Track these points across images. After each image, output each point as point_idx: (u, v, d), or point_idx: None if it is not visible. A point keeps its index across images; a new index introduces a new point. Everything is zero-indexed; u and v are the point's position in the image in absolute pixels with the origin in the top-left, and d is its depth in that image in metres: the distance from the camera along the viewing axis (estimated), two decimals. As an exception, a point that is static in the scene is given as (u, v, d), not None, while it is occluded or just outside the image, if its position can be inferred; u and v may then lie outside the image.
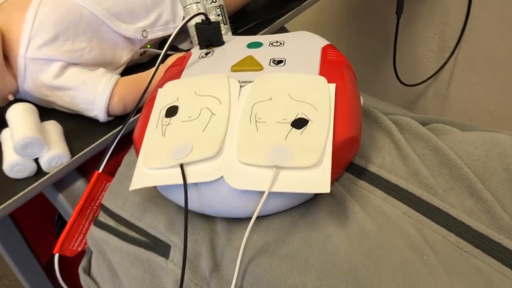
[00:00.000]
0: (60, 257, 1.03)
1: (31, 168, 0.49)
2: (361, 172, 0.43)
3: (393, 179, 0.42)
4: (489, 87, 1.00)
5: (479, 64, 0.99)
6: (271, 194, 0.38)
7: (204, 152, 0.39)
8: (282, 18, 0.69)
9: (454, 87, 1.05)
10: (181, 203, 0.41)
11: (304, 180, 0.37)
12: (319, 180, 0.36)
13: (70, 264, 0.93)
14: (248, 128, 0.41)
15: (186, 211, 0.39)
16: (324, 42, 0.51)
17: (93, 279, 0.50)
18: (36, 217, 0.86)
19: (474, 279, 0.35)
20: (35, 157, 0.49)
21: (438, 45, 1.03)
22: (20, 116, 0.48)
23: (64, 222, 0.89)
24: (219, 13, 0.61)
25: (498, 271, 0.35)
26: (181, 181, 0.39)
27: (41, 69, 0.52)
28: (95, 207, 0.51)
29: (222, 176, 0.38)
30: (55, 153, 0.48)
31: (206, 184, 0.39)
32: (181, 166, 0.39)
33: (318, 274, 0.36)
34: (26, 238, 0.83)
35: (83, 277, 0.50)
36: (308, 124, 0.40)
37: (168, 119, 0.44)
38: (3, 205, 0.46)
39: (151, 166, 0.40)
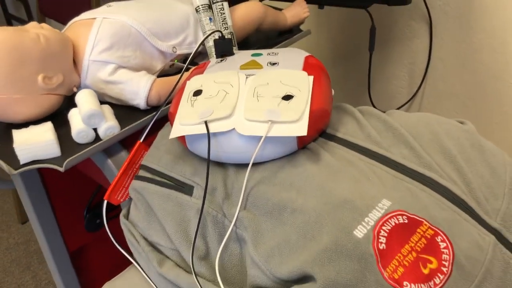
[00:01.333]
0: (80, 259, 1.17)
1: (91, 135, 0.66)
2: (331, 137, 0.61)
3: (353, 140, 0.60)
4: (451, 116, 1.20)
5: (442, 97, 1.20)
6: (266, 142, 0.56)
7: (221, 113, 0.57)
8: (276, 46, 0.90)
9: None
10: (204, 154, 0.59)
11: (289, 128, 0.55)
12: (299, 128, 0.54)
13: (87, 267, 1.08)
14: (252, 100, 0.59)
15: (208, 155, 0.57)
16: (307, 54, 0.70)
17: (130, 222, 0.66)
18: (70, 210, 1.01)
19: (403, 192, 0.52)
20: (95, 127, 0.66)
21: (407, 81, 1.24)
22: (86, 97, 0.66)
23: (92, 216, 1.05)
24: (230, 37, 0.81)
25: (420, 189, 0.52)
26: (205, 131, 0.56)
27: (99, 68, 0.71)
28: (135, 169, 0.68)
29: (234, 128, 0.56)
30: (110, 124, 0.66)
31: (222, 134, 0.57)
32: (205, 122, 0.57)
33: (297, 190, 0.53)
34: (60, 226, 0.99)
35: (123, 221, 0.67)
36: (293, 98, 0.58)
37: (195, 97, 0.62)
38: (71, 158, 0.63)
39: (185, 122, 0.58)
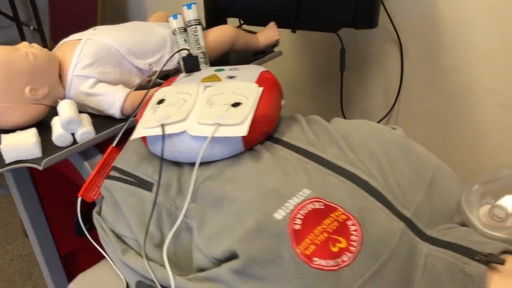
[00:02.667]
0: (71, 264, 1.24)
1: (69, 140, 0.76)
2: (277, 140, 0.69)
3: (295, 143, 0.68)
4: (423, 132, 1.26)
5: (415, 114, 1.26)
6: (215, 143, 0.64)
7: (176, 118, 0.66)
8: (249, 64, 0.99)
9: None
10: (162, 154, 0.67)
11: (232, 130, 0.63)
12: (241, 129, 0.62)
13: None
14: (205, 106, 0.67)
15: (162, 153, 0.65)
16: (264, 69, 0.79)
17: (102, 217, 0.74)
18: (62, 216, 1.09)
19: (326, 184, 0.59)
20: (72, 132, 0.76)
21: (383, 100, 1.31)
22: (67, 106, 0.76)
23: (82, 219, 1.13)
24: (202, 56, 0.91)
25: (343, 182, 0.60)
26: (161, 133, 0.65)
27: (81, 82, 0.81)
28: (108, 170, 0.76)
29: (185, 131, 0.65)
30: (86, 130, 0.76)
31: (176, 136, 0.65)
32: (162, 125, 0.65)
33: (239, 184, 0.61)
34: (51, 231, 1.07)
35: (95, 216, 0.75)
36: (241, 105, 0.66)
37: (158, 105, 0.71)
38: (49, 157, 0.73)
39: (145, 126, 0.67)
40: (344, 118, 1.26)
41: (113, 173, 0.74)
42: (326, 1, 1.04)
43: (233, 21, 1.22)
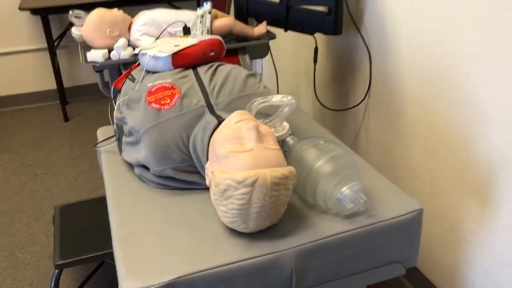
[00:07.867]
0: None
1: (117, 57, 1.51)
2: (194, 69, 1.31)
3: (198, 71, 1.29)
4: (380, 123, 1.65)
5: (381, 105, 1.67)
6: (158, 61, 1.30)
7: (148, 48, 1.34)
8: (240, 45, 1.60)
9: (366, 120, 1.73)
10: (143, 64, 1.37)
11: (162, 54, 1.28)
12: (165, 54, 1.27)
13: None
14: (164, 45, 1.34)
15: (133, 62, 1.35)
16: (217, 37, 1.41)
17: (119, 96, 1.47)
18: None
19: (186, 82, 1.20)
20: (119, 53, 1.51)
21: (362, 92, 1.74)
22: (120, 41, 1.51)
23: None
24: (206, 31, 1.57)
25: (193, 84, 1.20)
26: (137, 53, 1.34)
27: (136, 32, 1.56)
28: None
29: (147, 53, 1.33)
30: (124, 53, 1.50)
31: (145, 55, 1.34)
32: (140, 49, 1.35)
33: (156, 79, 1.26)
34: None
35: (118, 97, 1.48)
36: (178, 46, 1.32)
37: (153, 44, 1.40)
38: (102, 61, 1.49)
39: (137, 50, 1.37)
40: (317, 98, 1.76)
41: (130, 76, 1.47)
42: (304, 13, 1.59)
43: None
